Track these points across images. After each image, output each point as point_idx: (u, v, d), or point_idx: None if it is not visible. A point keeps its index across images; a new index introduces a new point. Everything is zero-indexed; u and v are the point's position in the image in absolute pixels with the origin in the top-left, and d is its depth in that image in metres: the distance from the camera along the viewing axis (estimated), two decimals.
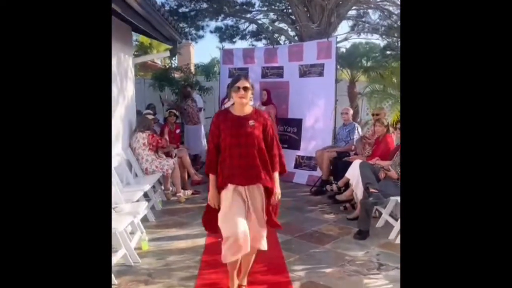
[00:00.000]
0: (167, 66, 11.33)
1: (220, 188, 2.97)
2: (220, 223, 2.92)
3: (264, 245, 3.04)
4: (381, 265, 3.75)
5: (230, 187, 2.90)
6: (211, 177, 3.03)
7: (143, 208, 4.27)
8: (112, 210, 3.76)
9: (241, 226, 2.81)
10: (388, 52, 11.29)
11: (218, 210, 2.99)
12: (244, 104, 2.95)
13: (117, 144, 5.40)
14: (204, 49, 48.28)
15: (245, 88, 2.90)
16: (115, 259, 3.52)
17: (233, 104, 3.03)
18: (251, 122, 2.91)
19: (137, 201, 4.55)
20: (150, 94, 9.95)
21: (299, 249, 4.07)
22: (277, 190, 3.03)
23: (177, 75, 10.64)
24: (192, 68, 11.87)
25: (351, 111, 6.84)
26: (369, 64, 10.31)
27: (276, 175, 3.03)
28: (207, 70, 11.31)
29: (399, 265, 3.65)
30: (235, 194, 2.91)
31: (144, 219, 4.65)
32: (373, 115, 6.21)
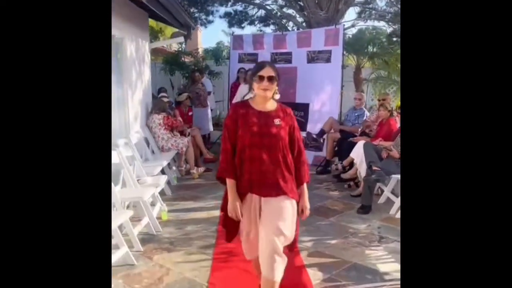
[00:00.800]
0: (176, 51, 11.51)
1: (239, 194, 2.47)
2: (244, 245, 2.63)
3: (276, 274, 2.38)
4: (381, 238, 4.01)
5: (253, 197, 2.45)
6: (230, 182, 2.46)
7: (163, 181, 4.64)
8: (137, 182, 4.12)
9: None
10: (394, 39, 11.44)
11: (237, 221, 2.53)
12: (268, 98, 2.45)
13: (136, 124, 5.74)
14: (210, 34, 48.08)
15: (271, 78, 2.38)
16: (140, 227, 3.87)
17: (253, 96, 2.52)
18: (277, 121, 2.42)
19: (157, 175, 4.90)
20: (161, 78, 10.18)
21: (306, 222, 4.24)
22: (307, 204, 2.56)
23: (187, 59, 10.84)
24: (200, 52, 12.04)
25: (364, 97, 7.09)
26: (375, 50, 10.46)
27: (305, 187, 2.57)
28: (216, 54, 11.50)
29: (398, 238, 3.92)
30: (254, 207, 2.46)
31: (161, 193, 4.97)
32: (378, 100, 6.49)
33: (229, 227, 2.63)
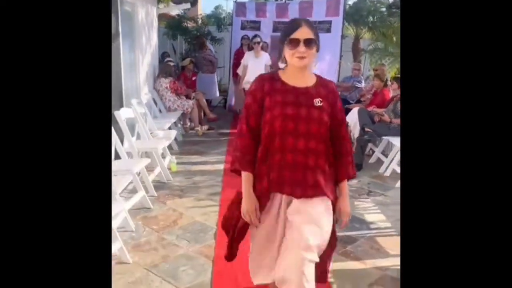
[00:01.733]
0: (178, 15, 11.54)
1: (258, 197, 1.90)
2: (252, 263, 2.04)
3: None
4: (370, 192, 4.45)
5: (278, 198, 1.89)
6: (246, 176, 1.90)
7: (173, 135, 5.12)
8: (150, 135, 4.54)
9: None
10: (394, 10, 11.58)
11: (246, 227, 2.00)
12: (306, 67, 1.87)
13: (145, 86, 6.12)
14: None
15: (309, 42, 1.78)
16: (153, 176, 4.29)
17: (284, 67, 1.92)
18: (317, 101, 1.83)
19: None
20: (163, 42, 10.31)
21: None
22: (347, 208, 1.95)
23: (189, 25, 10.95)
24: (202, 18, 12.09)
25: (362, 67, 7.48)
26: (375, 19, 10.65)
27: (346, 185, 1.97)
28: (218, 21, 11.60)
29: (385, 193, 4.41)
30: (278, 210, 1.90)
31: (168, 147, 5.26)
32: (374, 70, 6.85)
33: (231, 234, 2.05)
